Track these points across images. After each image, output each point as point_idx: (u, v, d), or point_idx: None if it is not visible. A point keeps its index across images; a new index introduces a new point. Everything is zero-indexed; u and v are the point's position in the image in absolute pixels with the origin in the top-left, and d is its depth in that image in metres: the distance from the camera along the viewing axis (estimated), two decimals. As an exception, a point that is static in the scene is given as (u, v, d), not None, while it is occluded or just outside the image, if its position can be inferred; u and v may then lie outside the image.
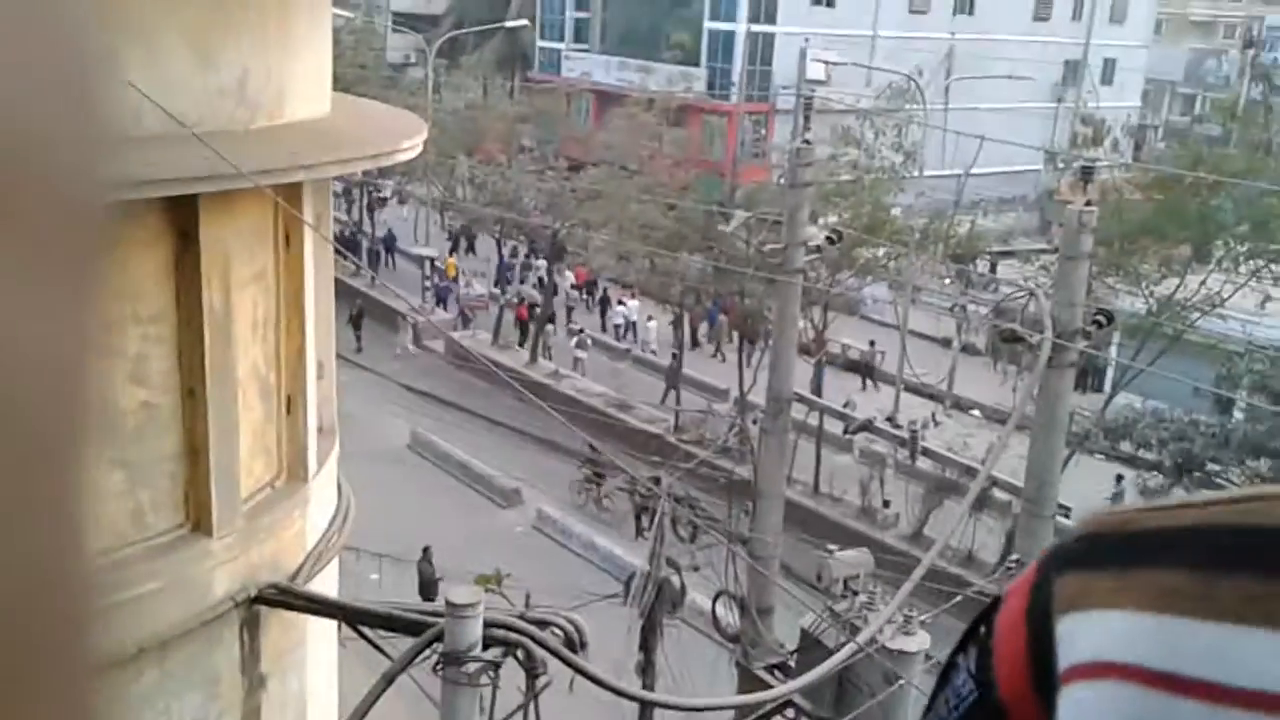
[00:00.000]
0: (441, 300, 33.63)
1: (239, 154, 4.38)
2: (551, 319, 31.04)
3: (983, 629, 0.58)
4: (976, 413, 27.70)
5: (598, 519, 22.05)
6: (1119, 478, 22.61)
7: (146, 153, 4.47)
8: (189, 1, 4.80)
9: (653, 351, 30.21)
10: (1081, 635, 0.49)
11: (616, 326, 31.90)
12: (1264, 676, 0.43)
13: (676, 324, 28.74)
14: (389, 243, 36.87)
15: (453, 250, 36.87)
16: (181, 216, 4.68)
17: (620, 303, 31.86)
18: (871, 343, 28.92)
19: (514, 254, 34.50)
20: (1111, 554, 0.50)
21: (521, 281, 33.82)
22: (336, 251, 6.21)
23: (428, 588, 18.39)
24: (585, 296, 34.03)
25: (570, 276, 33.76)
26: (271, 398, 5.38)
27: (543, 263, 31.41)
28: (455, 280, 34.08)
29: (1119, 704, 0.47)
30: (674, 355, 27.70)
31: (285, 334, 5.42)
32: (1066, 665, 0.50)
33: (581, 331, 30.55)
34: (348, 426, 7.47)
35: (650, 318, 30.56)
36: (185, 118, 4.54)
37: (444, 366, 29.18)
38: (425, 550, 19.10)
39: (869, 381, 27.71)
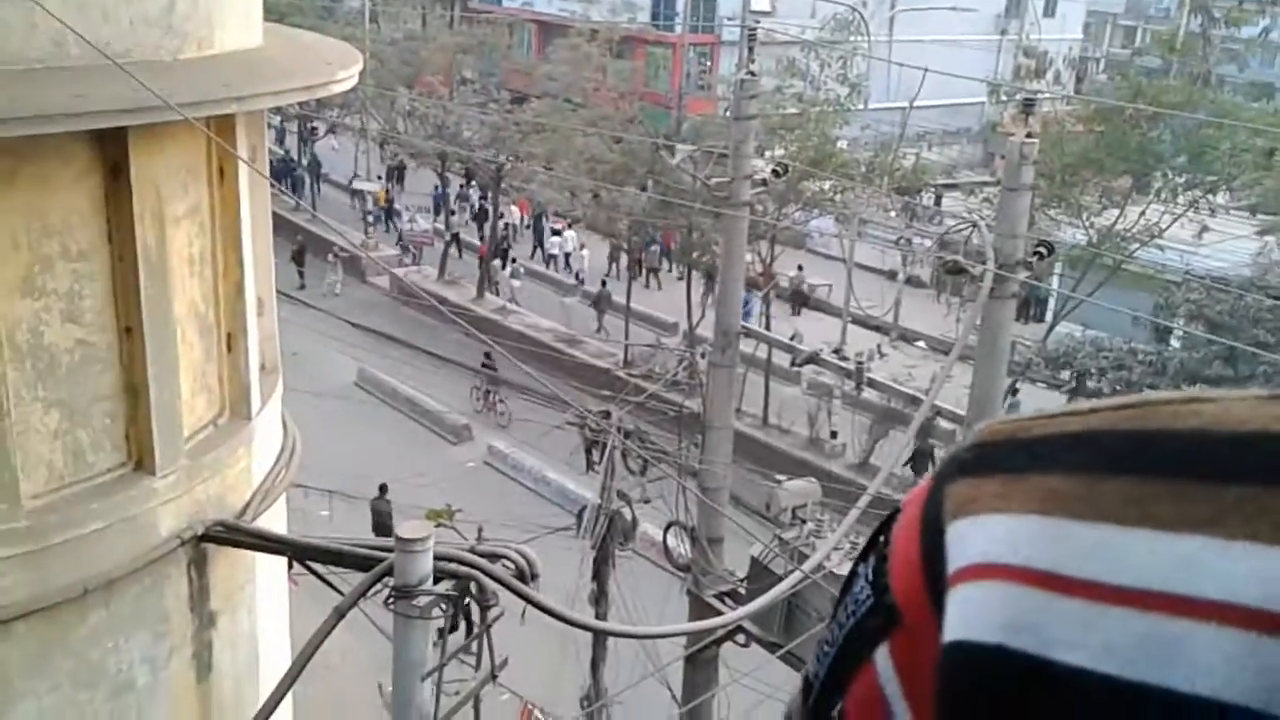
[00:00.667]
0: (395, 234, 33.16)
1: (168, 85, 4.26)
2: (503, 254, 30.88)
3: (882, 539, 0.58)
4: (921, 344, 28.07)
5: (499, 427, 22.89)
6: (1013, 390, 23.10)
7: (72, 84, 4.33)
8: (111, -75, 4.62)
9: (580, 280, 30.46)
10: (969, 539, 0.50)
11: (552, 257, 31.97)
12: (1142, 574, 0.45)
13: (613, 255, 28.97)
14: (316, 172, 36.37)
15: (387, 180, 36.57)
16: (111, 150, 4.55)
17: (555, 233, 31.88)
18: (799, 267, 29.27)
19: (455, 188, 34.16)
20: (999, 461, 0.51)
21: (467, 217, 33.60)
22: (271, 186, 6.09)
23: (383, 527, 18.40)
24: (529, 230, 33.91)
25: (515, 210, 33.53)
26: (211, 335, 5.30)
27: (476, 194, 31.18)
28: (389, 211, 33.73)
29: (1004, 602, 0.48)
30: (602, 283, 28.50)
31: (223, 270, 5.33)
32: (955, 568, 0.51)
33: (514, 261, 30.53)
34: (293, 364, 7.39)
35: (583, 246, 30.65)
36: (110, 48, 4.40)
37: (389, 302, 28.93)
38: (381, 488, 19.07)
39: (801, 308, 28.18)
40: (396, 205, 34.93)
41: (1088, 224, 22.02)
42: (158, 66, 4.53)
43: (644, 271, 30.29)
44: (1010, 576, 0.48)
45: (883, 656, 0.56)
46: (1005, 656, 0.47)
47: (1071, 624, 0.46)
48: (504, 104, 29.56)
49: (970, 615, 0.49)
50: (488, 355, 23.56)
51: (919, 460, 19.21)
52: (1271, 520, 0.43)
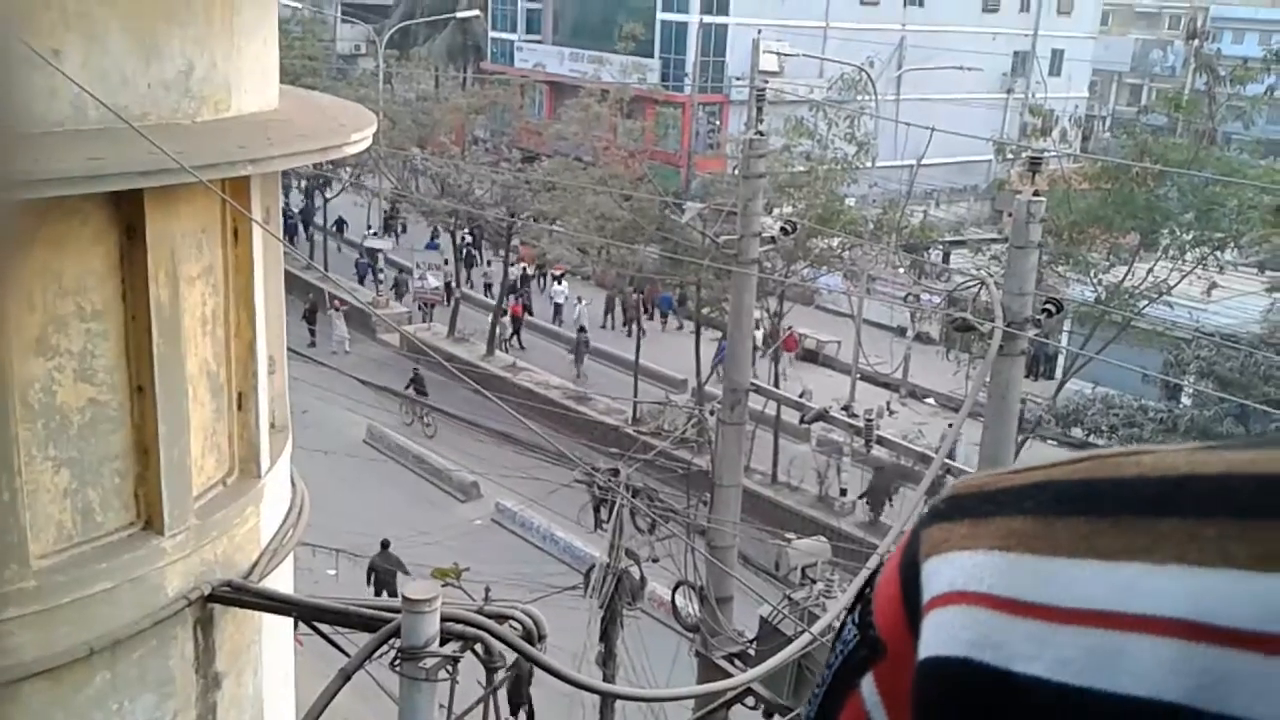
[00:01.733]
0: (397, 291, 33.52)
1: (185, 148, 4.32)
2: (516, 321, 31.11)
3: (868, 590, 0.65)
4: (931, 400, 28.02)
5: (425, 440, 24.01)
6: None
7: (89, 147, 4.39)
8: (130, -9, 4.72)
9: (584, 332, 30.79)
10: (941, 573, 0.58)
11: (557, 306, 32.38)
12: (1089, 597, 0.51)
13: (609, 306, 29.60)
14: (336, 229, 36.74)
15: (385, 233, 37.21)
16: (127, 211, 4.60)
17: (557, 279, 32.30)
18: (787, 326, 29.46)
19: (461, 243, 34.52)
20: (969, 508, 0.58)
21: (471, 269, 34.02)
22: (286, 250, 6.15)
23: (383, 584, 18.33)
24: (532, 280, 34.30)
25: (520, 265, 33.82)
26: (222, 394, 5.31)
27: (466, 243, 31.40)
28: (410, 272, 34.00)
29: (970, 623, 0.55)
30: (581, 329, 29.48)
31: (235, 330, 5.36)
32: (928, 598, 0.58)
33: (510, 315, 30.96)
34: (303, 421, 7.41)
35: (580, 299, 31.01)
36: (128, 111, 4.47)
37: (399, 360, 29.01)
38: (384, 544, 19.02)
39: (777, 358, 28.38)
40: (406, 263, 35.21)
41: (1095, 281, 22.04)
42: (175, 129, 4.60)
43: (650, 315, 30.50)
44: (975, 601, 0.55)
45: (868, 684, 0.62)
46: (971, 668, 0.54)
47: (1029, 640, 0.52)
48: (515, 162, 29.88)
49: (941, 635, 0.56)
50: (416, 373, 25.53)
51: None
52: (1198, 546, 0.49)
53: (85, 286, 4.62)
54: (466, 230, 33.90)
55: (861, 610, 0.64)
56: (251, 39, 5.43)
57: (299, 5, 39.98)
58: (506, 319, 30.55)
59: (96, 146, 4.39)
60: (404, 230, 38.14)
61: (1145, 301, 21.58)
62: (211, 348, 5.25)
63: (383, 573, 18.46)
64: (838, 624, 0.67)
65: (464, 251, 34.44)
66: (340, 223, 37.51)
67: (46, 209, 4.36)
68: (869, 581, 0.65)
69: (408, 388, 25.26)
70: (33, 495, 4.46)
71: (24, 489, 4.38)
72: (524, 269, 33.62)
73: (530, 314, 32.27)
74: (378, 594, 18.48)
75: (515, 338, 30.92)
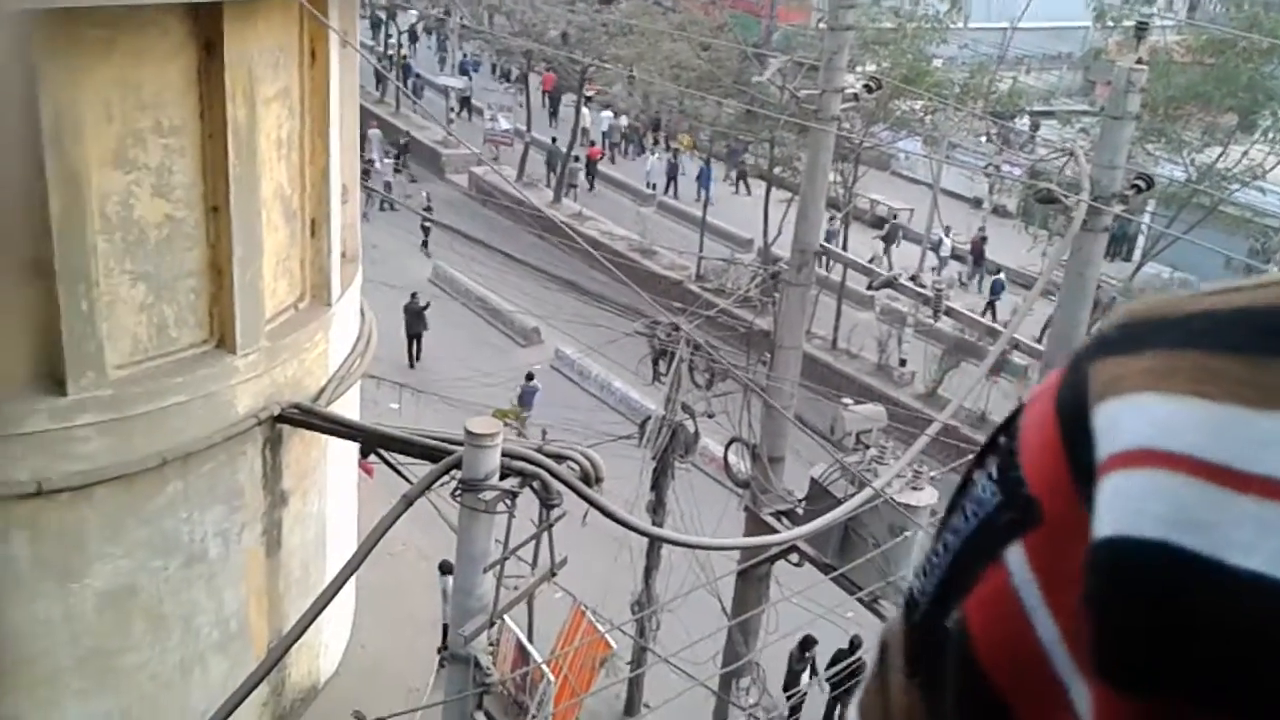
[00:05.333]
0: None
1: (264, -40, 4.21)
2: (597, 160, 30.81)
3: (1002, 440, 0.52)
4: (1002, 275, 27.46)
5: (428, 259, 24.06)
6: None
7: (168, -45, 4.29)
8: None
9: (653, 189, 30.42)
10: (1122, 421, 0.45)
11: (585, 131, 31.97)
12: None
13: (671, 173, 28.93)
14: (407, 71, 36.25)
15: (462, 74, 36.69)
16: (206, 25, 4.53)
17: (588, 99, 31.94)
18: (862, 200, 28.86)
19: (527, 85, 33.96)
20: (1151, 337, 0.46)
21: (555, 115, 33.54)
22: (376, 71, 6.07)
23: (414, 326, 21.67)
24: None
25: (607, 116, 33.21)
26: (295, 219, 5.32)
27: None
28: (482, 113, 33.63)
29: (1167, 494, 0.43)
30: (567, 149, 29.18)
31: (310, 155, 5.33)
32: (1107, 454, 0.45)
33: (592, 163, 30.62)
34: (370, 256, 7.42)
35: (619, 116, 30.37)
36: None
37: (466, 201, 28.97)
38: (413, 295, 21.33)
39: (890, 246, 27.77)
40: (476, 103, 34.72)
41: (1188, 160, 21.18)
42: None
43: (736, 180, 30.00)
44: (1173, 465, 0.43)
45: (1016, 556, 0.50)
46: (1170, 556, 0.42)
47: (1246, 524, 0.41)
48: (592, 4, 29.04)
49: (1128, 507, 0.44)
50: (428, 202, 26.24)
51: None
52: None
53: (163, 101, 4.59)
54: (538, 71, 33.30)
55: (1001, 464, 0.51)
56: None
57: None
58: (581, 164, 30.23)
59: (175, -45, 4.29)
60: (477, 69, 37.57)
61: (1236, 185, 20.72)
62: (286, 172, 5.23)
63: (411, 321, 21.62)
64: (959, 484, 0.54)
65: (545, 100, 33.89)
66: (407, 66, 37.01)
67: (125, 18, 4.30)
68: (1001, 431, 0.53)
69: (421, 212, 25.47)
70: (110, 307, 4.54)
71: (101, 300, 4.45)
72: (543, 95, 33.00)
73: (612, 162, 31.89)
74: (409, 344, 21.89)
75: (590, 179, 30.66)
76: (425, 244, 26.11)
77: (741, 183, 29.97)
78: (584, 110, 30.98)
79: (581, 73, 28.00)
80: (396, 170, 30.46)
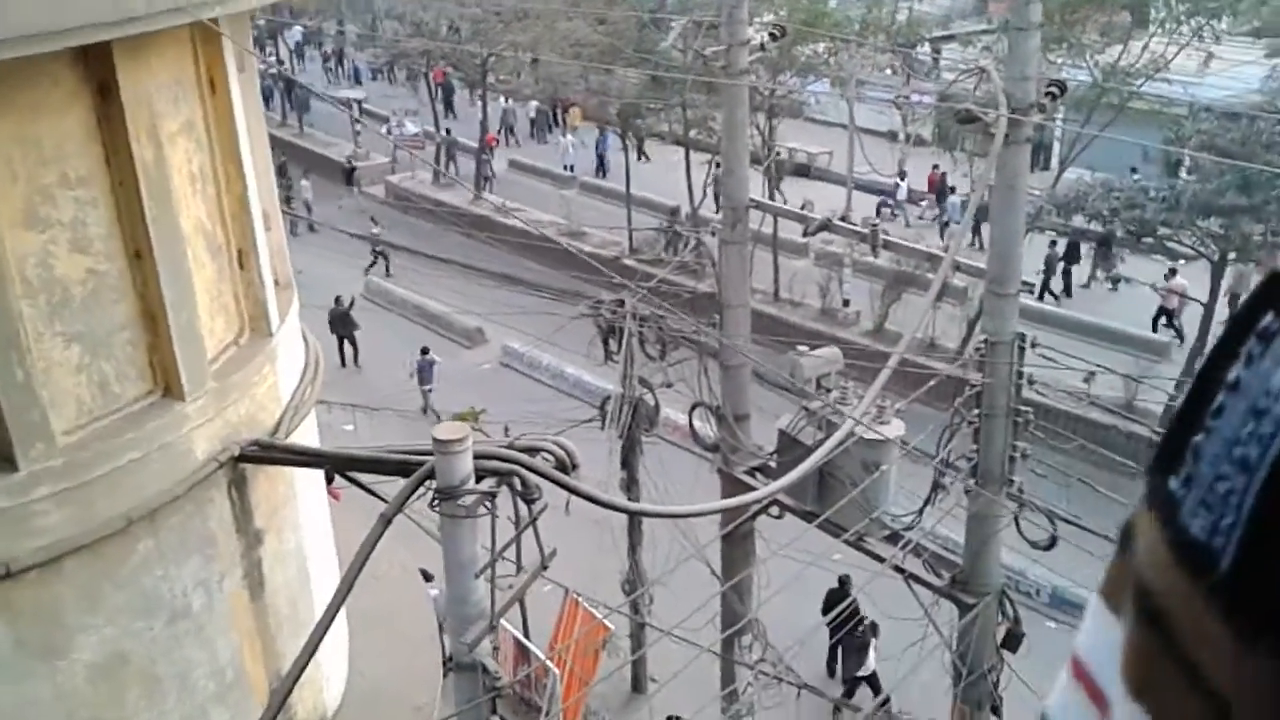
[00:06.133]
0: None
1: (148, -8, 4.05)
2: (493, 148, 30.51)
3: (1268, 319, 0.40)
4: (926, 202, 27.70)
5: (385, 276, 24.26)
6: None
7: (49, 1, 4.12)
8: None
9: (571, 170, 30.38)
10: None
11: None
12: None
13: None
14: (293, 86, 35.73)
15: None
16: (97, 69, 4.36)
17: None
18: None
19: (442, 88, 33.53)
20: None
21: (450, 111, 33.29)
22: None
23: (342, 335, 22.11)
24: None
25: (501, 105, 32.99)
26: (222, 253, 5.16)
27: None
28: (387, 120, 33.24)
29: None
30: (448, 131, 30.04)
31: (225, 185, 5.16)
32: None
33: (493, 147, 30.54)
34: (299, 282, 7.26)
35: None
36: (82, -42, 4.16)
37: (386, 210, 28.61)
38: (337, 299, 21.85)
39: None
40: (378, 109, 34.30)
41: (1092, 63, 21.47)
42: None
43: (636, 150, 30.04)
44: None
45: None
46: None
47: None
48: (482, -5, 28.73)
49: None
50: (373, 220, 26.51)
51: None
52: None
53: (66, 153, 4.41)
54: (441, 71, 32.93)
55: None
56: None
57: None
58: (489, 163, 29.97)
59: (55, 1, 4.12)
60: (374, 78, 37.06)
61: (1141, 80, 21.05)
62: (204, 206, 5.07)
63: (339, 321, 22.02)
64: (1204, 379, 0.42)
65: (439, 93, 33.52)
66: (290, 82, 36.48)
67: (12, 72, 4.12)
68: (1264, 303, 0.40)
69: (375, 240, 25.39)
70: (47, 372, 4.37)
71: (37, 367, 4.28)
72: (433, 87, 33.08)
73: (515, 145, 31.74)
74: (340, 347, 22.11)
75: (488, 166, 30.52)
76: (374, 265, 25.85)
77: (639, 150, 29.88)
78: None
79: (482, 64, 27.71)
80: (349, 184, 30.27)
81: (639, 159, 29.04)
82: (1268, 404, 0.39)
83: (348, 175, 30.72)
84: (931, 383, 10.09)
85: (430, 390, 20.86)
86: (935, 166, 26.46)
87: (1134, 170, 22.19)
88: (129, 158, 4.47)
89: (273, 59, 35.71)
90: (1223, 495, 0.40)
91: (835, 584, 14.09)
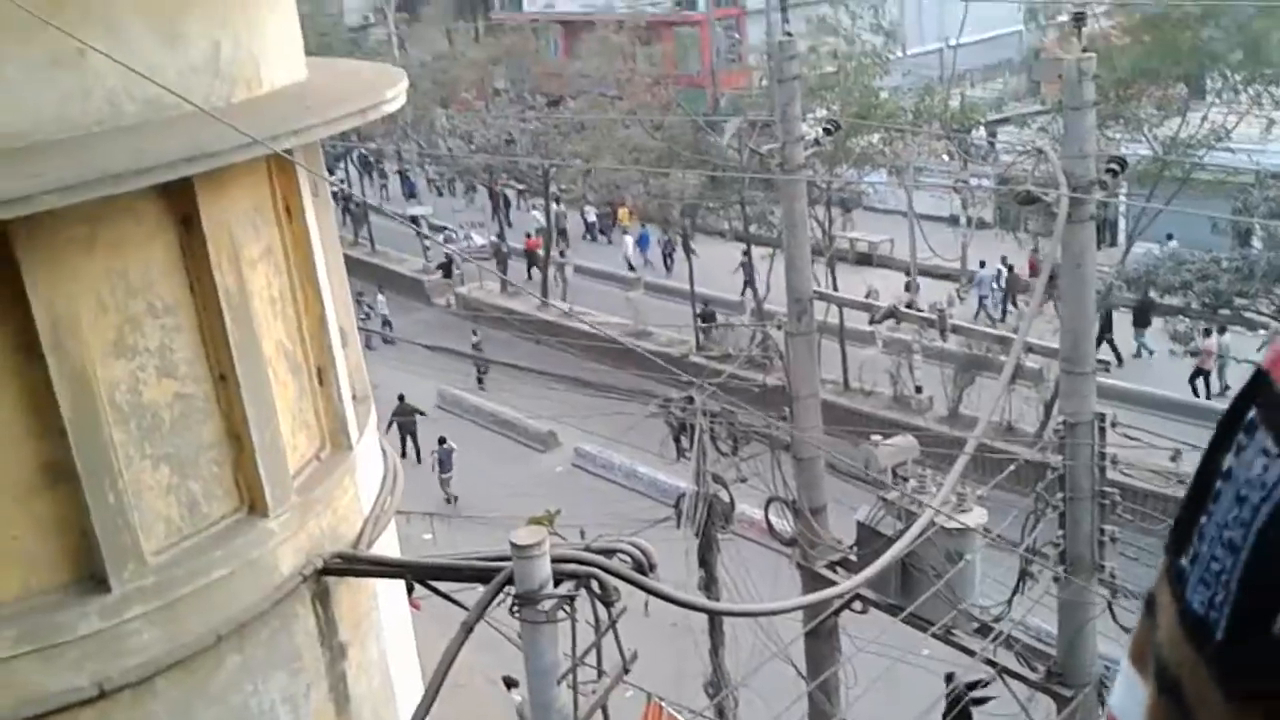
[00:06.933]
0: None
1: (224, 128, 4.26)
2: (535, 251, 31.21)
3: (1251, 415, 0.45)
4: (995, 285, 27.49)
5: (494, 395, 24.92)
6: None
7: (131, 141, 4.35)
8: (146, -21, 4.64)
9: (633, 270, 30.83)
10: None
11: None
12: None
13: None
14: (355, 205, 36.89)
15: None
16: (179, 202, 4.57)
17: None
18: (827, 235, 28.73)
19: (497, 198, 34.49)
20: None
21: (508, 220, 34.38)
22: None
23: (405, 429, 22.82)
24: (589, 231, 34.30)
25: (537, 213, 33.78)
26: (302, 371, 5.31)
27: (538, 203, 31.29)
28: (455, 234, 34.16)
29: None
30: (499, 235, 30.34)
31: (304, 306, 5.34)
32: None
33: (563, 254, 31.00)
34: (374, 395, 7.42)
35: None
36: (162, 101, 4.41)
37: (457, 321, 29.18)
38: (400, 397, 22.30)
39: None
40: (449, 225, 35.24)
41: (1151, 137, 21.38)
42: (213, 111, 4.54)
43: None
44: None
45: None
46: None
47: None
48: (540, 108, 29.62)
49: None
50: (475, 334, 27.10)
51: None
52: None
53: (152, 283, 4.61)
54: (501, 183, 33.86)
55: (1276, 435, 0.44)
56: (272, 14, 5.34)
57: (303, -17, 39.66)
58: (563, 269, 30.49)
59: (139, 140, 4.35)
60: (440, 194, 38.15)
61: (1203, 150, 20.89)
62: (284, 327, 5.24)
63: (404, 422, 22.61)
64: (1199, 474, 0.46)
65: (502, 203, 34.44)
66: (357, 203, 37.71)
67: (101, 211, 4.34)
68: (1244, 404, 0.46)
69: (472, 353, 25.91)
70: (137, 495, 4.50)
71: (128, 491, 4.42)
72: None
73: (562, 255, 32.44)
74: (402, 442, 22.60)
75: (531, 277, 31.09)
76: (485, 375, 26.31)
77: (685, 246, 30.17)
78: (544, 208, 31.40)
79: (544, 174, 28.42)
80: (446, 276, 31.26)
81: (687, 255, 29.43)
82: (1248, 492, 0.44)
83: (445, 269, 31.61)
84: (1011, 468, 9.91)
85: (449, 478, 21.56)
86: (1034, 250, 26.32)
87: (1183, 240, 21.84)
88: (212, 285, 4.66)
89: (337, 177, 37.08)
90: (1216, 574, 0.45)
91: (941, 682, 13.61)
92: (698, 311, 26.44)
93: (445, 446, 21.96)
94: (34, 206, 3.85)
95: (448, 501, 20.99)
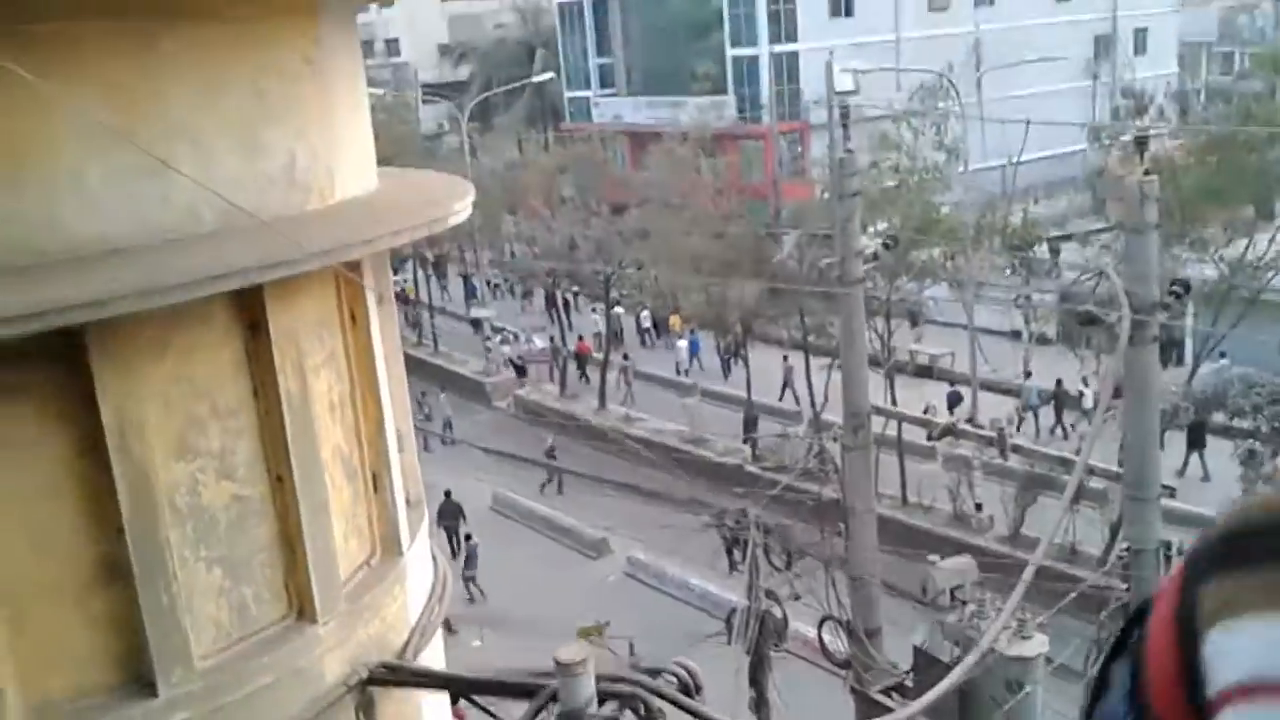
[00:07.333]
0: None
1: (297, 237, 4.38)
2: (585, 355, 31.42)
3: (1136, 635, 0.50)
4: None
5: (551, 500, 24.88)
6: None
7: (207, 249, 4.49)
8: (229, 94, 4.83)
9: (687, 374, 30.92)
10: (1233, 651, 0.42)
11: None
12: None
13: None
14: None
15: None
16: (249, 309, 4.68)
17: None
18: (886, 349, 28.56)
19: (557, 301, 34.96)
20: (1260, 551, 0.42)
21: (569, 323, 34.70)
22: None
23: (448, 528, 22.55)
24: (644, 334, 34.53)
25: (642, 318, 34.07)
26: (357, 477, 5.35)
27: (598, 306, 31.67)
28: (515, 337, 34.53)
29: None
30: (551, 338, 30.19)
31: (364, 412, 5.40)
32: (1217, 690, 0.42)
33: (626, 357, 31.11)
34: (429, 495, 7.45)
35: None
36: (240, 210, 4.56)
37: (515, 424, 29.30)
38: (447, 493, 22.18)
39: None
40: (511, 327, 35.73)
41: (1216, 258, 21.17)
42: (285, 221, 4.68)
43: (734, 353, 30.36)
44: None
45: None
46: None
47: None
48: (605, 216, 30.16)
49: None
50: (551, 447, 26.64)
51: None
52: None
53: (218, 386, 4.71)
54: (562, 287, 34.36)
55: (1132, 679, 0.49)
56: (348, 125, 5.53)
57: (382, 91, 41.20)
58: (626, 372, 30.67)
59: (214, 248, 4.49)
60: (496, 296, 38.80)
61: (1271, 271, 20.63)
62: (342, 432, 5.30)
63: (446, 517, 22.45)
64: (1095, 677, 0.54)
65: (564, 306, 34.91)
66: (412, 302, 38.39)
67: (175, 316, 4.47)
68: (1133, 622, 0.50)
69: (548, 455, 25.86)
70: (190, 597, 4.52)
71: (182, 592, 4.44)
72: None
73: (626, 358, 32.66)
74: (449, 540, 22.60)
75: (583, 377, 31.25)
76: (560, 488, 26.32)
77: (736, 353, 30.11)
78: (605, 311, 31.69)
79: (606, 280, 28.78)
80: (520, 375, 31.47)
81: (736, 362, 29.45)
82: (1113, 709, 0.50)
83: (519, 370, 31.86)
84: (1074, 594, 9.62)
85: (474, 575, 21.65)
86: (1095, 370, 26.01)
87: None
88: (275, 389, 4.74)
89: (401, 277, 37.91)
90: None
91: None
92: (743, 417, 26.37)
93: (471, 543, 22.18)
94: (109, 311, 3.97)
95: (470, 600, 20.96)
